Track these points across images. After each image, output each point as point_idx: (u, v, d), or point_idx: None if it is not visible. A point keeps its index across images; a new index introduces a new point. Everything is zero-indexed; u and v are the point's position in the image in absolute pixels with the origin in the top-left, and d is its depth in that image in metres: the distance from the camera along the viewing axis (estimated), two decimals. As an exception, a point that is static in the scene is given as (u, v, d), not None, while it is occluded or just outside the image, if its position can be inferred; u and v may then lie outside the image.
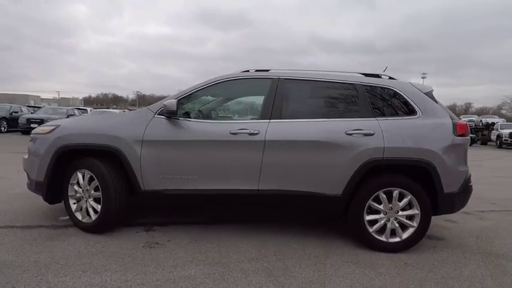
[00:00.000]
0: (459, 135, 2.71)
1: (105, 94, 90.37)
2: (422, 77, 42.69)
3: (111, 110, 25.14)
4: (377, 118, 2.71)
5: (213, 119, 2.80)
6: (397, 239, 2.66)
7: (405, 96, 2.81)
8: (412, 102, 2.78)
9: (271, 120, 2.70)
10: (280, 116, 2.72)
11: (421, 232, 2.65)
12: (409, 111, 2.77)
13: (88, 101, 75.38)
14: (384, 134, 2.62)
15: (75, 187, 2.81)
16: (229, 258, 2.41)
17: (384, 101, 2.81)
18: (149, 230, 2.90)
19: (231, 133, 2.65)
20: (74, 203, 2.87)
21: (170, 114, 2.64)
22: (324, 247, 2.69)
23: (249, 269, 2.26)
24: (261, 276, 2.18)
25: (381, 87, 2.85)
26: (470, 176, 2.80)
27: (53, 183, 2.83)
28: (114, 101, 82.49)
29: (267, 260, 2.42)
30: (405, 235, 2.66)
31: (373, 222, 2.67)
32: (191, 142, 2.66)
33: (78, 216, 2.83)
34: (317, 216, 3.48)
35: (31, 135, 3.08)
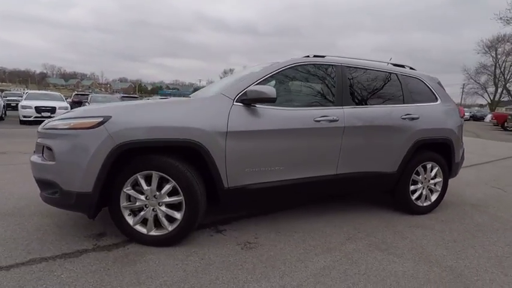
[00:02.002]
0: (461, 117, 3.50)
1: None
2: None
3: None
4: (415, 104, 3.19)
5: (294, 107, 2.65)
6: (428, 203, 3.29)
7: (428, 85, 3.38)
8: (433, 90, 3.38)
9: (344, 107, 2.79)
10: (350, 103, 2.84)
11: (442, 195, 3.36)
12: (433, 98, 3.36)
13: None
14: (424, 118, 3.12)
15: (132, 194, 2.21)
16: (331, 243, 2.48)
17: (416, 89, 3.30)
18: (220, 231, 2.60)
19: (315, 120, 2.61)
20: (129, 215, 2.27)
21: (262, 102, 2.37)
22: (384, 218, 3.06)
23: (361, 248, 2.41)
24: (374, 251, 2.37)
25: (411, 76, 3.33)
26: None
27: (104, 194, 2.15)
28: None
29: (362, 236, 2.60)
30: (433, 198, 3.32)
31: (413, 192, 3.20)
32: (277, 131, 2.48)
33: (141, 229, 2.26)
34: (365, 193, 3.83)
35: (48, 130, 2.20)
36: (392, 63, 3.39)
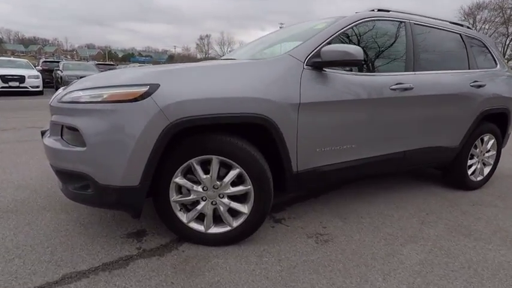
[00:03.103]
0: None
1: None
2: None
3: None
4: (480, 70, 2.84)
5: (367, 72, 2.19)
6: (480, 177, 3.07)
7: (488, 47, 3.02)
8: (493, 54, 3.03)
9: (416, 72, 2.38)
10: (421, 68, 2.43)
11: (494, 168, 3.15)
12: (493, 62, 3.02)
13: None
14: (488, 85, 2.79)
15: (185, 184, 1.74)
16: (408, 229, 2.18)
17: (478, 51, 2.94)
18: (279, 221, 2.21)
19: (390, 89, 2.20)
20: (180, 210, 1.81)
21: (344, 65, 1.90)
22: (439, 195, 2.80)
23: (443, 234, 2.12)
24: (459, 237, 2.10)
25: (473, 37, 2.94)
26: None
27: (153, 187, 1.67)
28: None
29: (434, 219, 2.32)
30: (485, 172, 3.10)
31: (469, 167, 2.96)
32: (352, 103, 2.04)
33: (197, 227, 1.82)
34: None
35: (68, 104, 1.63)
36: (450, 21, 2.96)
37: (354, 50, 1.81)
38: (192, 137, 1.70)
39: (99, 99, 1.56)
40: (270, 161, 1.90)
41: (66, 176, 1.68)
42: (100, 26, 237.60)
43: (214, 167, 1.73)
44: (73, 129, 1.61)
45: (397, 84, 2.23)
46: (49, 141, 1.72)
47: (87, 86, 1.65)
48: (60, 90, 1.87)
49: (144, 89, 1.55)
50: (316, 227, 2.16)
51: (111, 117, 1.53)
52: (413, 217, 2.38)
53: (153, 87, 1.56)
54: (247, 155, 1.72)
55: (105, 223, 2.09)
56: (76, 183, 1.67)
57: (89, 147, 1.55)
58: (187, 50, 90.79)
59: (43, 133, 2.01)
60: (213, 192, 1.77)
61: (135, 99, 1.53)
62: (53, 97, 1.81)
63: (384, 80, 2.20)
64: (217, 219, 1.85)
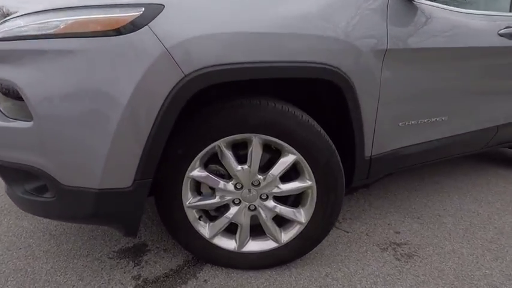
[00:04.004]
0: None
1: None
2: None
3: None
4: None
5: (469, 8, 1.50)
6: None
7: None
8: None
9: (525, 13, 1.69)
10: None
11: None
12: None
13: None
14: None
15: (207, 179, 1.09)
16: (507, 231, 1.59)
17: None
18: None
19: (499, 34, 1.51)
20: (200, 218, 1.17)
21: None
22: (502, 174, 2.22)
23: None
24: None
25: None
26: None
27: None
28: None
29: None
30: None
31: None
32: (456, 52, 1.36)
33: (226, 243, 1.19)
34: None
35: (15, 43, 0.89)
36: None
37: None
38: (222, 104, 1.02)
39: (52, 31, 0.85)
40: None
41: (8, 171, 1.00)
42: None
43: (256, 153, 1.07)
44: (10, 91, 0.92)
45: (506, 28, 1.54)
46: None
47: (35, 9, 0.94)
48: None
49: (136, 12, 0.84)
50: (387, 233, 1.54)
51: (76, 65, 0.84)
52: (505, 213, 1.78)
53: (152, 10, 0.85)
54: (310, 134, 1.06)
55: (86, 233, 1.44)
56: (26, 184, 1.00)
57: (37, 122, 0.86)
58: None
59: None
60: (251, 191, 1.12)
61: (118, 31, 0.83)
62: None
63: (491, 21, 1.50)
64: (255, 232, 1.22)
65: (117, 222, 0.99)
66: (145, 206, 1.06)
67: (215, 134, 1.02)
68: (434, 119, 1.44)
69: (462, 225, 1.63)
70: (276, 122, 1.02)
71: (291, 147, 1.06)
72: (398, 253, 1.39)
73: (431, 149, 1.51)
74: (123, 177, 0.90)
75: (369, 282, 1.20)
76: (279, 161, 1.09)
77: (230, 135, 1.03)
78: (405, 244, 1.45)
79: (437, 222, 1.66)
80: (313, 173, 1.09)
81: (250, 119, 1.01)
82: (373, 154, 1.31)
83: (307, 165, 1.08)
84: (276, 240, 1.19)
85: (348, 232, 1.53)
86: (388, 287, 1.18)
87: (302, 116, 1.04)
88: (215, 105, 1.03)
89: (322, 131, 1.08)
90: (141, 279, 1.18)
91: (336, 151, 1.11)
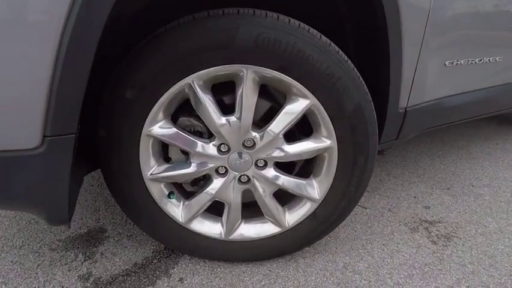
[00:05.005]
0: None
1: None
2: None
3: None
4: None
5: None
6: None
7: None
8: None
9: None
10: None
11: None
12: None
13: None
14: None
15: (176, 138, 0.73)
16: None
17: None
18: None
19: None
20: (169, 196, 0.82)
21: None
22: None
23: None
24: None
25: None
26: None
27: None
28: None
29: None
30: None
31: None
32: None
33: (207, 229, 0.85)
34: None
35: None
36: None
37: None
38: (192, 16, 0.64)
39: None
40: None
41: None
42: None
43: (248, 97, 0.70)
44: None
45: None
46: None
47: None
48: None
49: None
50: (414, 208, 1.23)
51: None
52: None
53: None
54: (333, 65, 0.69)
55: (25, 216, 1.09)
56: None
57: None
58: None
59: None
60: (242, 156, 0.77)
61: None
62: None
63: None
64: (249, 212, 0.89)
65: (32, 203, 0.64)
66: (81, 178, 0.71)
67: (184, 64, 0.65)
68: (487, 59, 1.08)
69: (502, 197, 1.33)
70: (279, 44, 0.64)
71: (302, 87, 0.69)
72: (433, 234, 1.08)
73: (478, 101, 1.16)
74: (23, 133, 0.54)
75: (402, 276, 0.90)
76: (283, 110, 0.72)
77: (208, 67, 0.65)
78: (439, 222, 1.15)
79: (472, 194, 1.35)
80: (334, 126, 0.74)
81: (237, 39, 0.63)
82: (408, 105, 0.96)
83: (326, 114, 0.73)
84: (277, 223, 0.85)
85: (366, 208, 1.21)
86: (429, 282, 0.89)
87: (320, 37, 0.67)
88: (182, 18, 0.64)
89: (350, 62, 0.71)
90: (91, 280, 0.85)
91: (369, 93, 0.75)
